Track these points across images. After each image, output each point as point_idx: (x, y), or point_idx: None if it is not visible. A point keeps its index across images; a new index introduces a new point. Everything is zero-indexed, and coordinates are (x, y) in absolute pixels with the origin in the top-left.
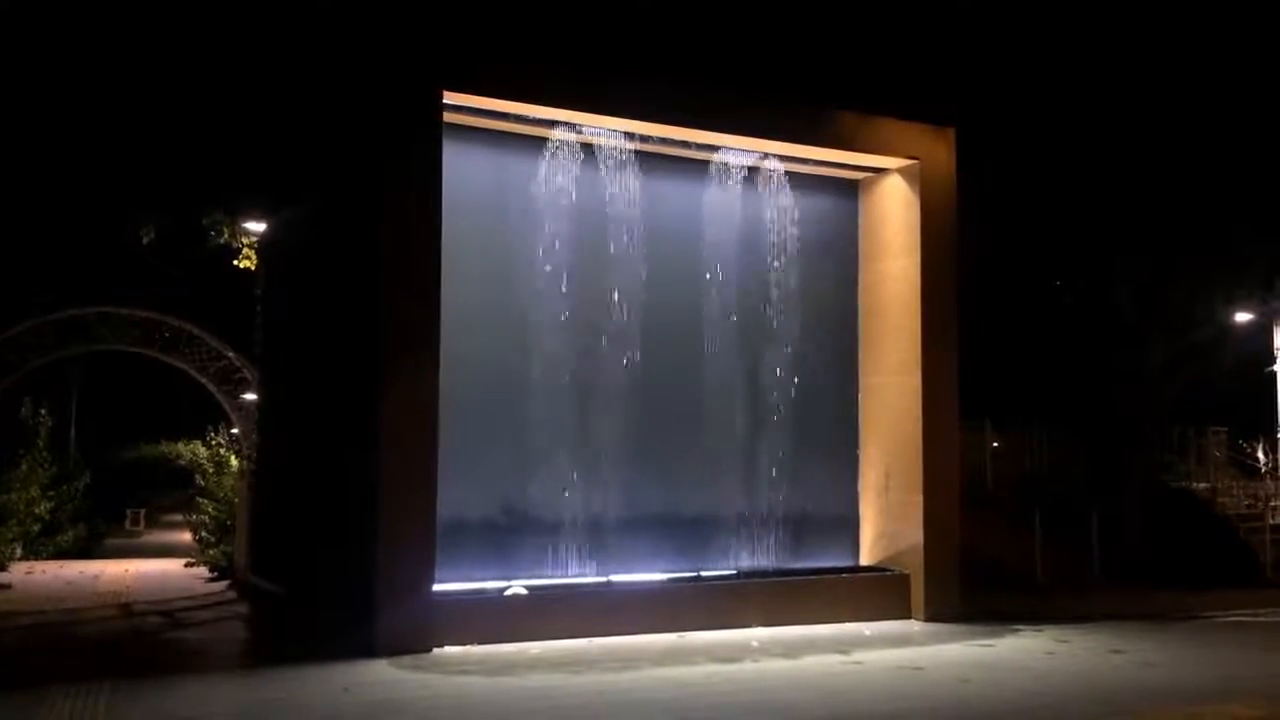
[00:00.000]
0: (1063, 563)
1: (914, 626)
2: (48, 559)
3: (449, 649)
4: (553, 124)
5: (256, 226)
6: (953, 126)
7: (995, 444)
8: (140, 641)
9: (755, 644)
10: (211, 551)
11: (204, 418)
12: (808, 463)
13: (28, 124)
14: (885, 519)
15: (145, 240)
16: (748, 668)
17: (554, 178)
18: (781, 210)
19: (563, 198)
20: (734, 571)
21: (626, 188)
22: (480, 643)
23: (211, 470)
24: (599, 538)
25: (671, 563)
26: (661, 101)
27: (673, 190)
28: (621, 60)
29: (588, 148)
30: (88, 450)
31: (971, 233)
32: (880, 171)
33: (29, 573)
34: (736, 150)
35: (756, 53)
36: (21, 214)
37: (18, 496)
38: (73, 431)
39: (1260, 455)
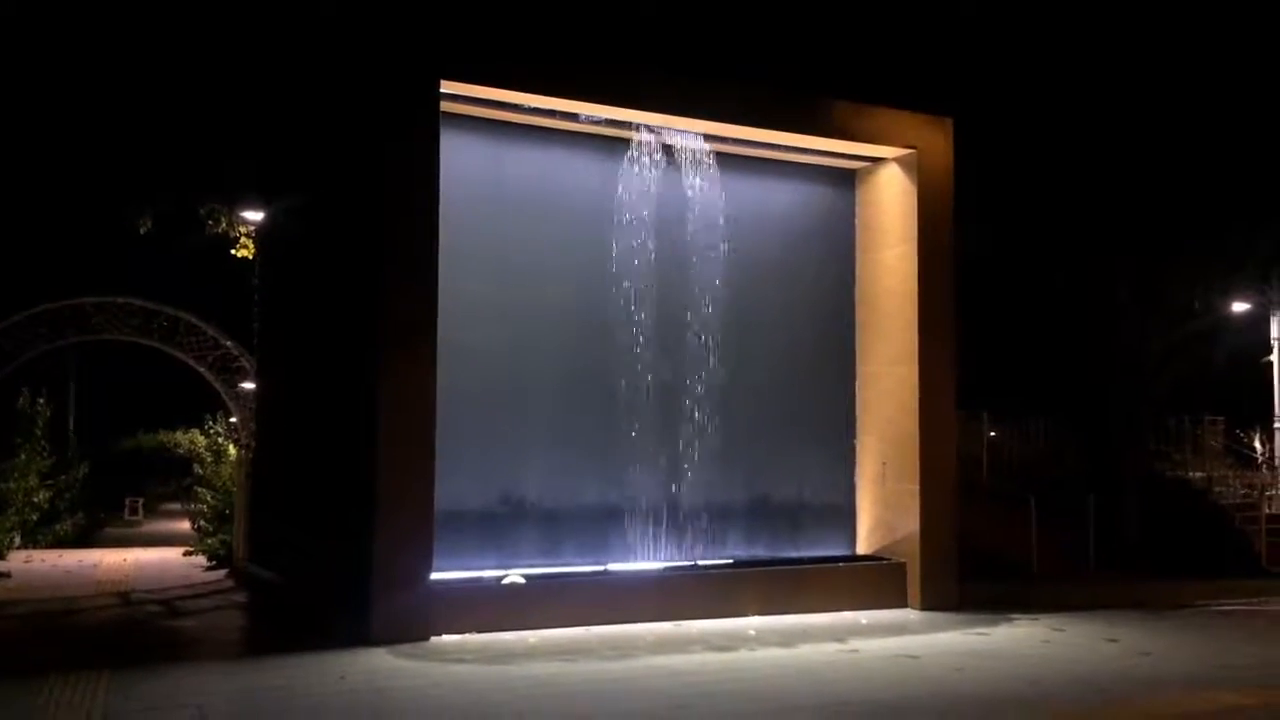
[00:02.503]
0: (1059, 552)
1: (910, 615)
2: (46, 548)
3: (447, 637)
4: (550, 113)
5: (254, 215)
6: (951, 116)
7: (992, 433)
8: (138, 629)
9: (752, 632)
10: (210, 540)
11: (202, 407)
12: (804, 452)
13: (25, 113)
14: (882, 508)
15: (142, 229)
16: (744, 656)
17: (552, 167)
18: (778, 200)
19: (560, 187)
20: (731, 560)
21: (622, 176)
22: (478, 631)
23: (210, 459)
24: (596, 526)
25: (669, 552)
26: (658, 90)
27: (669, 179)
28: (618, 49)
29: (585, 137)
30: (86, 439)
31: (969, 223)
32: (877, 161)
33: (28, 561)
34: (734, 140)
35: (753, 42)
36: (19, 203)
37: (16, 485)
38: (71, 421)
39: (1257, 445)
